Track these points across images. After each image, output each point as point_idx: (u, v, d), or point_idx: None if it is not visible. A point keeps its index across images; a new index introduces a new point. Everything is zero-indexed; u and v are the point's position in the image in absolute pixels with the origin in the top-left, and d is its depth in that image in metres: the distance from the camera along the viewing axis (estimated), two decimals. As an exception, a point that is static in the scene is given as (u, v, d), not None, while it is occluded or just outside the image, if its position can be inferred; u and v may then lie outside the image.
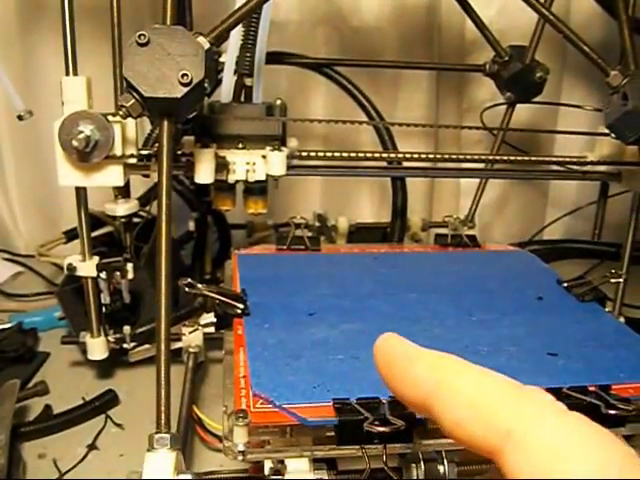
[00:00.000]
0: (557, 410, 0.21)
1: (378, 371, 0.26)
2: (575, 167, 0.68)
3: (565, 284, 0.57)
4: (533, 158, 0.66)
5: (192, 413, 0.57)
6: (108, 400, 0.61)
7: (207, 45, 0.46)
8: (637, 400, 0.42)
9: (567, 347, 0.47)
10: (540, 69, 0.75)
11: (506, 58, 0.75)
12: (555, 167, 0.70)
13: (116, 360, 0.65)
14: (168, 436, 0.39)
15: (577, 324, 0.51)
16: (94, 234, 0.70)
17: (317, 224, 0.81)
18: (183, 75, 0.43)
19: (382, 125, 0.73)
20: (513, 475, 0.20)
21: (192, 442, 0.57)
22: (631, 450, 0.20)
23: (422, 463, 0.40)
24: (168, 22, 0.47)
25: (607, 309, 0.55)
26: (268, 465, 0.40)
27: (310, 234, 0.69)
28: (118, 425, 0.59)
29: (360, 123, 0.65)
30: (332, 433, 0.38)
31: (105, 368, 0.66)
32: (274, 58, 0.72)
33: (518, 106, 0.80)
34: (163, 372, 0.41)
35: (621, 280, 0.59)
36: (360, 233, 0.83)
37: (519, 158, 0.67)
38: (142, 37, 0.44)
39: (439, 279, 0.58)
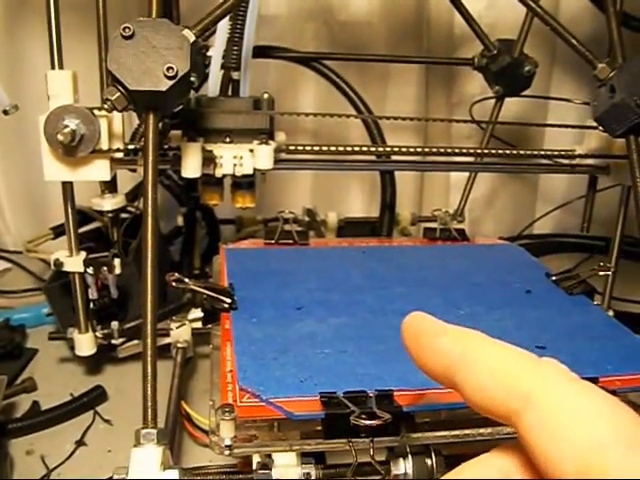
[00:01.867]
0: (573, 377, 0.23)
1: (406, 346, 0.28)
2: (563, 161, 0.68)
3: (553, 277, 0.57)
4: (522, 152, 0.66)
5: (180, 409, 0.56)
6: (96, 396, 0.61)
7: (192, 38, 0.45)
8: (624, 392, 0.42)
9: (555, 340, 0.47)
10: (529, 63, 0.75)
11: (495, 52, 0.75)
12: (544, 161, 0.70)
13: (105, 356, 0.65)
14: (155, 431, 0.39)
15: (565, 317, 0.51)
16: (82, 230, 0.70)
17: (306, 219, 0.81)
18: (168, 68, 0.43)
19: (370, 119, 0.73)
20: (529, 436, 0.22)
21: (181, 438, 0.57)
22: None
23: (410, 457, 0.40)
24: (154, 15, 0.46)
25: (595, 302, 0.55)
26: (256, 460, 0.40)
27: (299, 229, 0.69)
28: (106, 421, 0.59)
29: (348, 117, 0.65)
30: (320, 427, 0.38)
31: (93, 364, 0.66)
32: (262, 52, 0.72)
33: (508, 100, 0.80)
34: (150, 367, 0.41)
35: (609, 273, 0.59)
36: (349, 228, 0.83)
37: (508, 152, 0.67)
38: (127, 30, 0.43)
39: (427, 272, 0.58)
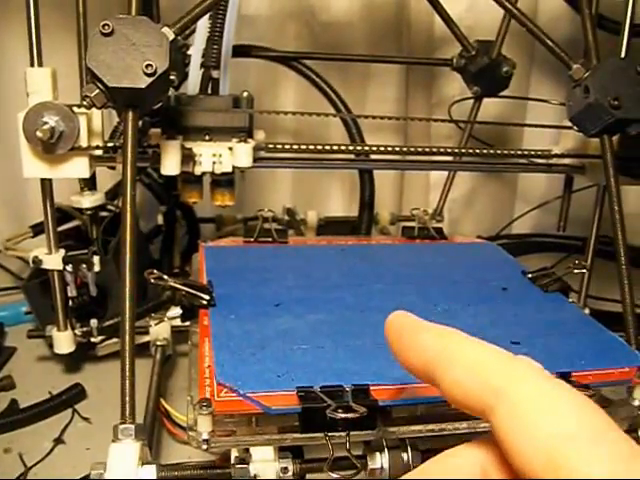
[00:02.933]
0: (544, 375, 0.24)
1: (388, 344, 0.29)
2: (540, 160, 0.69)
3: (529, 275, 0.58)
4: (499, 151, 0.67)
5: (159, 406, 0.57)
6: (75, 394, 0.61)
7: (172, 36, 0.45)
8: (596, 387, 0.43)
9: (530, 336, 0.47)
10: (506, 64, 0.76)
11: (473, 53, 0.76)
12: (522, 160, 0.71)
13: (84, 354, 0.65)
14: (133, 426, 0.39)
15: (540, 314, 0.52)
16: (62, 228, 0.70)
17: (286, 218, 0.81)
18: (147, 65, 0.43)
19: (350, 118, 0.73)
20: (500, 429, 0.22)
21: (160, 436, 0.57)
22: (608, 417, 0.22)
23: (386, 450, 0.40)
24: (133, 13, 0.46)
25: (570, 300, 0.56)
26: (234, 455, 0.40)
27: (279, 227, 0.69)
28: (85, 419, 0.59)
29: (327, 115, 0.65)
30: (297, 422, 0.38)
31: (72, 362, 0.66)
32: (242, 51, 0.72)
33: (487, 101, 0.81)
34: (128, 363, 0.41)
35: (584, 271, 0.60)
36: (329, 227, 0.83)
37: (485, 151, 0.68)
38: (106, 27, 0.43)
39: (405, 270, 0.58)
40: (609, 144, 0.56)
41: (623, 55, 0.59)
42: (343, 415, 0.36)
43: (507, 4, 0.57)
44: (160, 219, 0.81)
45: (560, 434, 0.21)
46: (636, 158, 0.62)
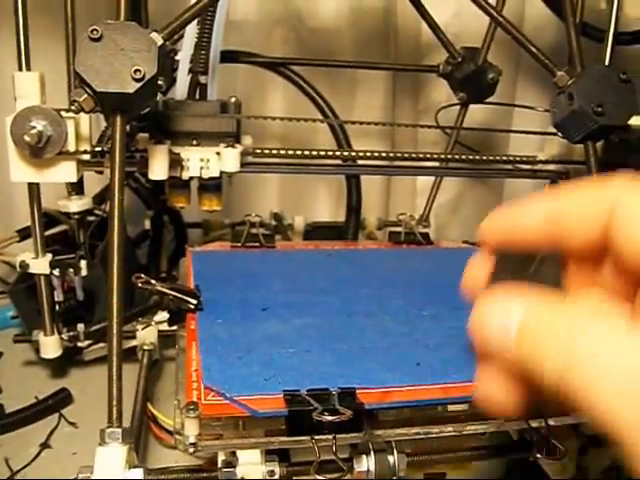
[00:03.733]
0: None
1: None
2: (525, 166, 0.70)
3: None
4: (485, 157, 0.67)
5: (146, 411, 0.57)
6: (61, 399, 0.61)
7: (160, 41, 0.46)
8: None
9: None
10: (492, 70, 0.77)
11: (459, 60, 0.77)
12: (507, 166, 0.72)
13: (70, 359, 0.65)
14: (119, 430, 0.39)
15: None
16: (49, 232, 0.70)
17: (273, 223, 0.81)
18: (136, 70, 0.43)
19: (337, 123, 0.74)
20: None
21: (147, 440, 0.57)
22: None
23: (372, 453, 0.41)
24: (122, 18, 0.47)
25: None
26: (221, 458, 0.41)
27: (266, 232, 0.70)
28: (71, 424, 0.59)
29: (314, 121, 0.66)
30: (284, 425, 0.39)
31: (59, 367, 0.66)
32: (230, 56, 0.73)
33: (474, 107, 0.82)
34: (115, 367, 0.41)
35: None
36: (316, 232, 0.83)
37: (471, 157, 0.68)
38: (95, 32, 0.44)
39: (391, 275, 0.59)
40: (593, 150, 0.57)
41: (607, 63, 0.60)
42: (329, 418, 0.36)
43: (492, 12, 0.58)
44: (147, 224, 0.80)
45: None
46: (619, 164, 0.62)
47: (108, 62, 0.44)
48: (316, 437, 0.38)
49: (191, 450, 0.38)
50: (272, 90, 0.92)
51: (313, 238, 0.82)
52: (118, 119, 0.45)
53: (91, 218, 0.73)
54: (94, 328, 0.61)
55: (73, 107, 0.45)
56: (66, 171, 0.54)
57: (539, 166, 0.70)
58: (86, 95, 0.44)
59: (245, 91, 0.88)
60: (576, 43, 0.58)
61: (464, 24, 0.91)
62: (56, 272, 0.58)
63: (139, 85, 0.44)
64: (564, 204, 0.25)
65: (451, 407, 0.43)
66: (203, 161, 0.58)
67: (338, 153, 0.64)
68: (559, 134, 0.59)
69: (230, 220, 0.88)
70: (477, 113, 0.88)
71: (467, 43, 0.80)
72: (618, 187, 0.24)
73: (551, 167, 0.70)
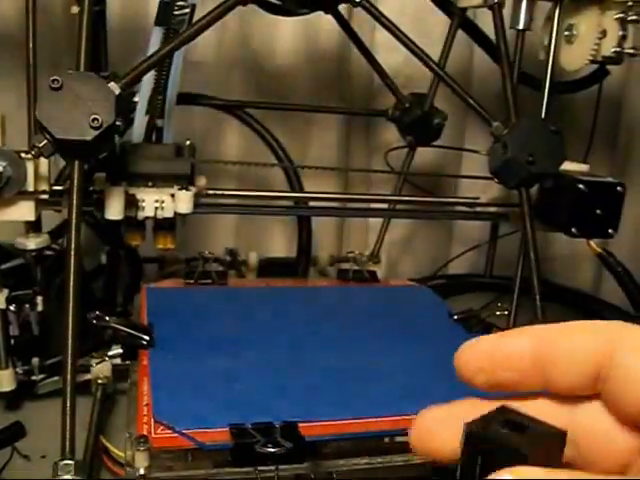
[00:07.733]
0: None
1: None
2: (468, 208, 0.74)
3: (455, 317, 0.62)
4: (429, 199, 0.71)
5: (99, 443, 0.58)
6: (15, 432, 0.61)
7: (118, 91, 0.48)
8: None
9: (452, 375, 0.51)
10: (438, 116, 0.80)
11: (407, 105, 0.80)
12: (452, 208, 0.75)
13: (24, 392, 0.66)
14: (72, 463, 0.41)
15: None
16: (5, 266, 0.71)
17: (228, 258, 0.83)
18: (94, 119, 0.46)
19: (290, 168, 0.77)
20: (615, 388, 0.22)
21: (100, 472, 0.58)
22: None
23: (314, 484, 0.43)
24: (82, 68, 0.49)
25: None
26: (171, 489, 0.42)
27: (221, 268, 0.72)
28: (25, 457, 0.60)
29: (264, 165, 0.68)
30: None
31: (13, 400, 0.66)
32: (186, 99, 0.75)
33: (424, 149, 0.85)
34: (69, 401, 0.42)
35: (505, 313, 0.64)
36: (270, 268, 0.85)
37: (417, 199, 0.72)
38: (55, 82, 0.46)
39: (335, 311, 0.61)
40: (526, 195, 0.60)
41: (544, 114, 0.64)
42: (271, 450, 0.39)
43: (433, 66, 0.62)
44: (104, 258, 0.82)
45: None
46: (552, 208, 0.66)
47: (67, 110, 0.46)
48: (260, 468, 0.40)
49: (141, 482, 0.40)
50: (229, 130, 0.95)
51: (267, 274, 0.84)
52: (76, 164, 0.47)
53: (48, 252, 0.74)
54: (49, 362, 0.62)
55: (33, 152, 0.47)
56: (25, 210, 0.55)
57: (481, 208, 0.73)
58: (46, 141, 0.46)
59: (202, 130, 0.91)
60: (512, 94, 0.62)
61: (416, 68, 0.95)
62: (12, 308, 0.59)
63: (97, 133, 0.46)
64: (552, 344, 0.23)
65: (399, 438, 0.45)
66: (158, 202, 0.60)
67: (291, 195, 0.67)
68: (495, 180, 0.62)
69: (186, 255, 0.89)
70: (428, 154, 0.91)
71: (420, 84, 0.83)
72: (614, 331, 0.23)
73: (492, 209, 0.73)
